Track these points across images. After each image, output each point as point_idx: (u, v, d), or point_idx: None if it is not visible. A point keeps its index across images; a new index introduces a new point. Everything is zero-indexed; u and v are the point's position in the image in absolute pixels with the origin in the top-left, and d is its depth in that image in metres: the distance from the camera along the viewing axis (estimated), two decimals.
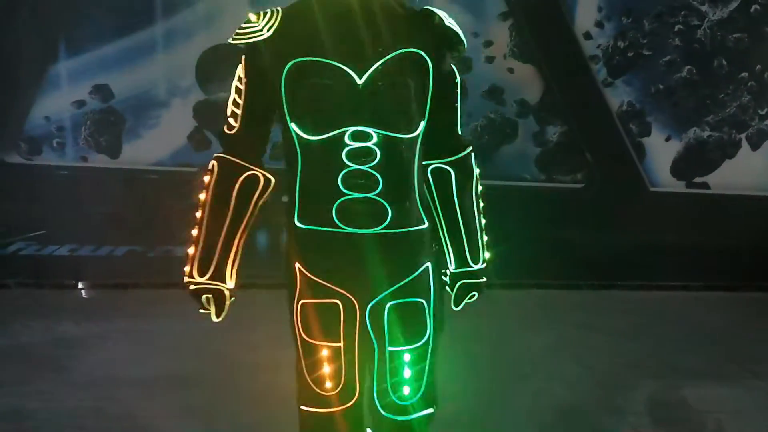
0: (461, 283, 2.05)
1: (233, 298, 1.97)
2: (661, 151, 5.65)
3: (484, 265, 2.08)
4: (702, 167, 5.70)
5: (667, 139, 5.64)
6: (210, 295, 1.93)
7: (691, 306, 5.15)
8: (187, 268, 1.93)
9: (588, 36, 5.45)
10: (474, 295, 2.07)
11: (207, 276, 1.92)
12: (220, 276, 1.93)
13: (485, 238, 2.09)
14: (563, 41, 5.47)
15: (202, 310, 1.97)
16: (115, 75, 5.25)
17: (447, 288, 2.08)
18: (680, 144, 5.65)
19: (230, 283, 1.96)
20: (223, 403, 3.40)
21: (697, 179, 5.71)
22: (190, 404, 3.38)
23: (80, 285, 5.10)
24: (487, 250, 2.10)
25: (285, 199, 1.97)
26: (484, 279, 2.08)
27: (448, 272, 2.08)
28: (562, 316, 4.76)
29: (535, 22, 5.43)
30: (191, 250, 1.93)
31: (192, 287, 1.93)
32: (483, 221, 2.10)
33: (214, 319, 1.98)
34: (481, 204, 2.10)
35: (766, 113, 5.66)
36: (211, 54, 5.30)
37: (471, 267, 2.04)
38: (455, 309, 2.08)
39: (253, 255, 6.01)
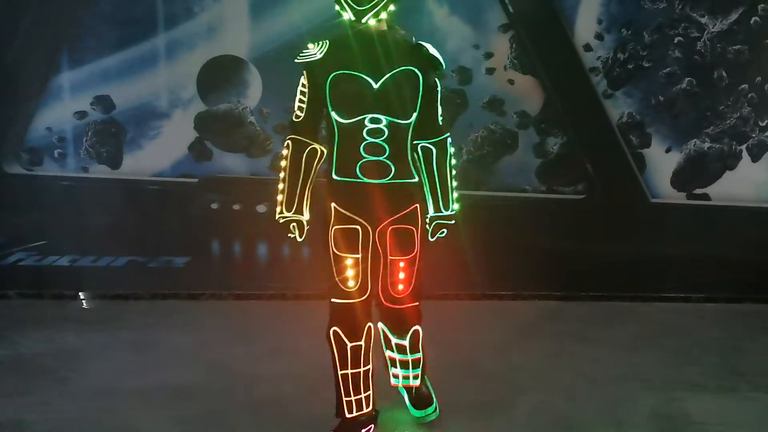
0: (435, 223, 3.08)
1: (308, 226, 2.96)
2: (662, 162, 5.65)
3: (453, 212, 3.10)
4: (702, 179, 5.70)
5: (668, 151, 5.65)
6: (295, 224, 2.94)
7: (693, 318, 5.13)
8: (278, 208, 2.95)
9: (588, 48, 5.47)
10: (443, 231, 3.09)
11: (292, 211, 2.93)
12: (300, 211, 2.94)
13: (455, 195, 3.10)
14: (563, 53, 5.48)
15: (290, 235, 2.95)
16: (117, 86, 5.27)
17: (426, 226, 3.07)
18: (680, 155, 5.66)
19: (306, 215, 2.96)
20: (222, 415, 3.39)
21: (698, 191, 5.72)
22: (189, 415, 3.37)
23: (80, 295, 5.10)
24: (455, 203, 3.11)
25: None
26: (453, 221, 3.10)
27: (428, 217, 3.08)
28: (563, 328, 4.75)
29: (536, 34, 5.45)
30: (279, 197, 2.95)
31: (282, 220, 2.95)
32: (454, 183, 3.10)
33: (298, 239, 2.95)
34: (454, 172, 3.11)
35: (766, 125, 5.67)
36: (213, 65, 5.32)
37: (442, 212, 3.08)
38: (430, 240, 3.08)
39: (253, 267, 6.02)
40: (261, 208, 5.51)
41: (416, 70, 2.88)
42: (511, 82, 5.49)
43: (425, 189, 3.07)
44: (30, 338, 4.27)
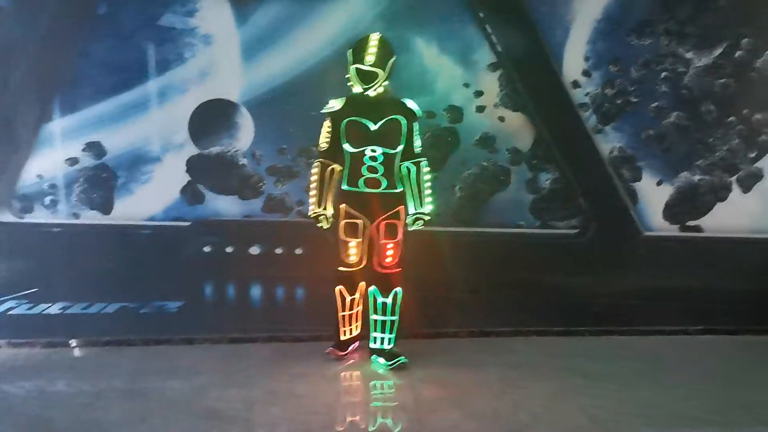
0: (413, 217, 4.49)
1: (332, 219, 4.48)
2: (653, 195, 5.68)
3: (427, 210, 4.50)
4: (694, 211, 5.73)
5: (659, 184, 5.68)
6: (322, 216, 4.45)
7: (692, 350, 5.10)
8: (311, 207, 4.46)
9: (576, 84, 5.54)
10: (420, 222, 4.49)
11: (321, 207, 4.45)
12: (325, 207, 4.46)
13: (428, 199, 4.51)
14: (552, 90, 5.55)
15: (318, 225, 4.45)
16: (108, 132, 5.29)
17: (407, 220, 4.50)
18: (672, 188, 5.69)
19: (330, 211, 4.48)
20: None
21: (690, 222, 5.73)
22: None
23: (72, 343, 5.02)
24: (429, 205, 4.51)
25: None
26: (428, 217, 4.51)
27: (408, 214, 4.50)
28: (562, 363, 4.70)
29: (524, 72, 5.52)
30: (312, 199, 4.46)
31: (314, 214, 4.44)
32: (428, 191, 4.51)
33: (325, 227, 4.48)
34: (428, 184, 4.52)
35: (755, 156, 5.72)
36: (204, 109, 5.35)
37: (418, 210, 4.50)
38: (410, 229, 4.51)
39: (248, 309, 5.94)
40: (254, 250, 5.48)
41: (400, 118, 4.44)
42: (501, 119, 5.54)
43: (407, 194, 4.52)
44: (21, 387, 4.19)
